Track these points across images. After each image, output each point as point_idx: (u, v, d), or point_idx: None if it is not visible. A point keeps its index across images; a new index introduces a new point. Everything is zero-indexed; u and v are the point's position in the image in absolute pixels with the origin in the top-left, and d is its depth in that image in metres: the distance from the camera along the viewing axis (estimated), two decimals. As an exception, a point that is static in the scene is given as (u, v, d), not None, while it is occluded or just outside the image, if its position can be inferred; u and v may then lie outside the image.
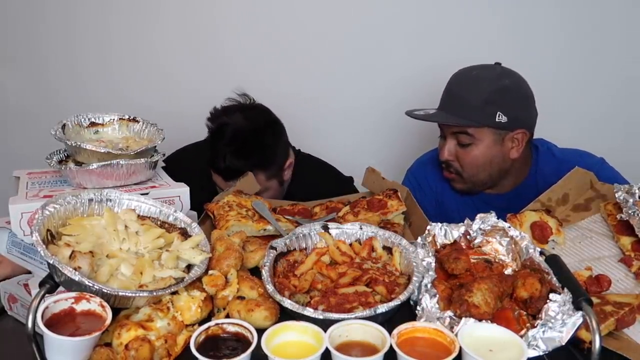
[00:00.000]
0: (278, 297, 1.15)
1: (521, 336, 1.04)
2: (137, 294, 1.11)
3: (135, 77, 2.59)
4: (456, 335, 1.02)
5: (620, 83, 2.49)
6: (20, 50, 2.57)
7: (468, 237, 1.39)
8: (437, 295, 1.14)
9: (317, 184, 2.06)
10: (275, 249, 1.32)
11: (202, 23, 2.51)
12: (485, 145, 1.81)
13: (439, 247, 1.37)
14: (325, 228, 1.41)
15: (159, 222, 1.36)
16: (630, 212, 1.37)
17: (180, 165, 1.89)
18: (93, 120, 1.65)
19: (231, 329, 1.05)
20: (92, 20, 2.53)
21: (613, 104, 2.52)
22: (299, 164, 2.14)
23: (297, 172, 2.12)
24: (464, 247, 1.37)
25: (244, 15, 2.49)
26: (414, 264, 1.24)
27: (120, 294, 1.08)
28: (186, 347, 1.07)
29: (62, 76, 2.61)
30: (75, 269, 1.07)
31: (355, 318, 1.07)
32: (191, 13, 2.50)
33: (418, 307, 1.14)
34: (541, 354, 1.04)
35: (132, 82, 2.59)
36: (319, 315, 1.09)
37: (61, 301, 1.04)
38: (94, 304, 1.05)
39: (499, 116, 1.75)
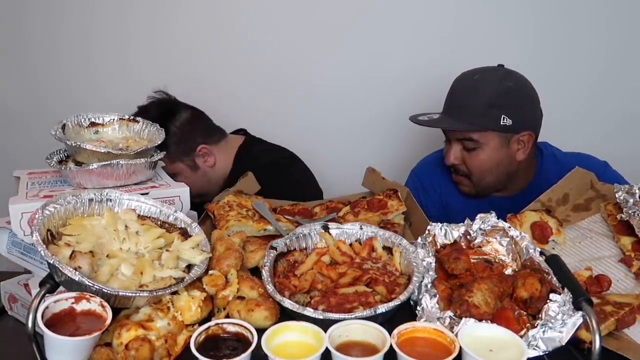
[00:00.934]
0: (278, 297, 1.15)
1: (521, 336, 1.04)
2: (137, 294, 1.11)
3: (136, 77, 2.59)
4: (456, 335, 1.02)
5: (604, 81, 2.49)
6: (21, 49, 2.57)
7: (468, 237, 1.39)
8: (437, 295, 1.14)
9: (256, 165, 2.07)
10: (275, 249, 1.32)
11: (205, 20, 2.51)
12: (491, 148, 1.79)
13: (439, 247, 1.37)
14: (326, 228, 1.41)
15: (159, 222, 1.36)
16: (630, 212, 1.37)
17: None
18: (93, 120, 1.65)
19: (231, 329, 1.05)
20: (94, 20, 2.53)
21: (591, 102, 2.52)
22: (244, 148, 2.25)
23: (242, 156, 2.23)
24: (464, 247, 1.37)
25: (249, 16, 2.50)
26: (414, 264, 1.24)
27: (120, 293, 1.08)
28: (186, 347, 1.07)
29: (63, 76, 2.61)
30: (75, 268, 1.07)
31: (356, 318, 1.07)
32: (194, 11, 2.50)
33: (418, 307, 1.14)
34: (541, 354, 1.04)
35: (132, 82, 2.59)
36: (319, 315, 1.09)
37: (61, 301, 1.04)
38: (94, 304, 1.05)
39: (503, 119, 1.74)
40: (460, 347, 0.98)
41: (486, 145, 1.79)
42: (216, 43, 2.54)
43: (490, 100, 1.74)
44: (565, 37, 2.43)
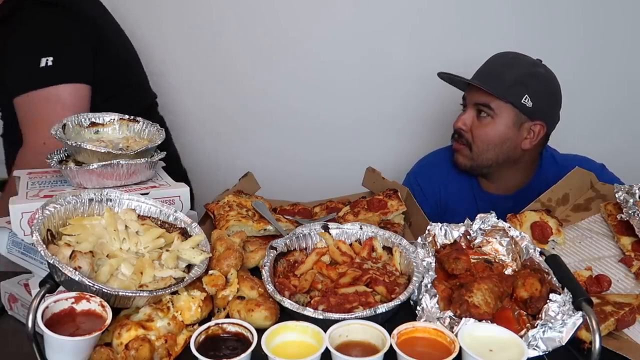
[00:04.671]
0: (278, 297, 1.15)
1: (521, 336, 1.04)
2: (137, 294, 1.11)
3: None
4: (456, 335, 1.02)
5: (626, 83, 2.48)
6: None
7: (468, 237, 1.39)
8: (437, 295, 1.14)
9: None
10: (275, 249, 1.32)
11: (203, 22, 2.51)
12: (503, 123, 1.82)
13: (439, 247, 1.37)
14: (326, 228, 1.41)
15: (159, 222, 1.36)
16: (630, 212, 1.37)
17: None
18: (93, 120, 1.65)
19: (231, 329, 1.05)
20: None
21: (618, 105, 2.51)
22: None
23: None
24: (464, 247, 1.37)
25: (246, 17, 2.50)
26: (414, 264, 1.24)
27: (120, 293, 1.08)
28: (186, 347, 1.07)
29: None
30: (75, 268, 1.07)
31: (356, 318, 1.07)
32: (192, 13, 2.50)
33: (418, 307, 1.14)
34: (541, 354, 1.04)
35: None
36: (319, 315, 1.09)
37: (61, 301, 1.04)
38: (94, 304, 1.05)
39: (525, 99, 1.78)
40: (460, 347, 0.98)
41: (499, 117, 1.81)
42: (218, 46, 2.54)
43: (519, 77, 1.79)
44: (553, 34, 2.43)
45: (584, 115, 2.48)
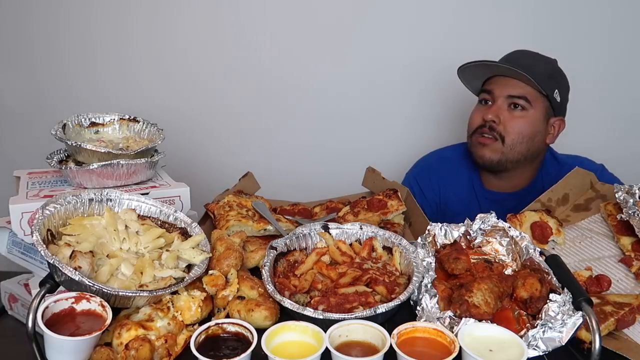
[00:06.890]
0: (278, 297, 1.15)
1: (521, 336, 1.04)
2: (138, 294, 1.11)
3: (137, 77, 2.59)
4: (456, 335, 1.02)
5: (626, 84, 2.48)
6: (21, 49, 2.57)
7: (468, 237, 1.39)
8: (437, 295, 1.14)
9: None
10: (275, 249, 1.32)
11: (205, 22, 2.51)
12: (536, 117, 1.81)
13: (439, 247, 1.37)
14: (326, 228, 1.41)
15: (159, 222, 1.36)
16: (630, 212, 1.37)
17: None
18: (93, 120, 1.65)
19: (231, 328, 1.05)
20: (95, 20, 2.53)
21: (617, 105, 2.51)
22: None
23: None
24: (464, 247, 1.37)
25: (249, 17, 2.50)
26: (414, 264, 1.24)
27: (120, 293, 1.08)
28: (186, 347, 1.07)
29: (62, 76, 2.61)
30: (75, 268, 1.07)
31: (356, 318, 1.07)
32: (193, 13, 2.50)
33: (418, 307, 1.14)
34: (541, 354, 1.04)
35: (133, 82, 2.59)
36: (319, 315, 1.10)
37: (61, 301, 1.04)
38: (94, 304, 1.05)
39: (556, 93, 1.79)
40: (460, 347, 0.98)
41: (533, 110, 1.80)
42: (217, 44, 2.53)
43: (552, 71, 1.82)
44: (554, 34, 2.42)
45: (583, 116, 2.49)
